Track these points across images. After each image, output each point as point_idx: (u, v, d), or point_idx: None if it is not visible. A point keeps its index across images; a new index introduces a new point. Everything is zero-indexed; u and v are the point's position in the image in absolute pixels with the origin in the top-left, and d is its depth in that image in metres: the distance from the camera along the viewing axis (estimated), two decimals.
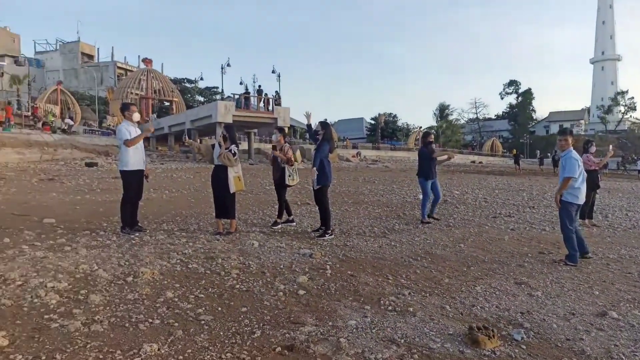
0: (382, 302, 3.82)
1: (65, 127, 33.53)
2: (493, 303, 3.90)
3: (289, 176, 7.17)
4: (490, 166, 43.97)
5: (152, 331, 3.09)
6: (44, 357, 2.68)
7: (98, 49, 64.24)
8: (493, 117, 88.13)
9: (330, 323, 3.32)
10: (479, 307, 3.78)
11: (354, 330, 3.21)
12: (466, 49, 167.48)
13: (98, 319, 3.24)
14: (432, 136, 8.71)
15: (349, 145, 50.46)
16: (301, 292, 4.02)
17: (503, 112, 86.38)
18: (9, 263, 4.57)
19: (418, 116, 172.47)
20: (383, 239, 6.53)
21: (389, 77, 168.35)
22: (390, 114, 73.93)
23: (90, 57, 63.88)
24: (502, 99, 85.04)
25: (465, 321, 3.43)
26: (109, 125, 40.04)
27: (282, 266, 4.84)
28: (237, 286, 4.13)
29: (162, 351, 2.79)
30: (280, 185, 7.27)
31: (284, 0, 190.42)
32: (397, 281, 4.46)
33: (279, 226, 7.13)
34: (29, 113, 34.46)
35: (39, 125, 32.09)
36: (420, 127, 67.22)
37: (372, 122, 70.28)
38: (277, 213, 7.42)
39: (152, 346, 2.81)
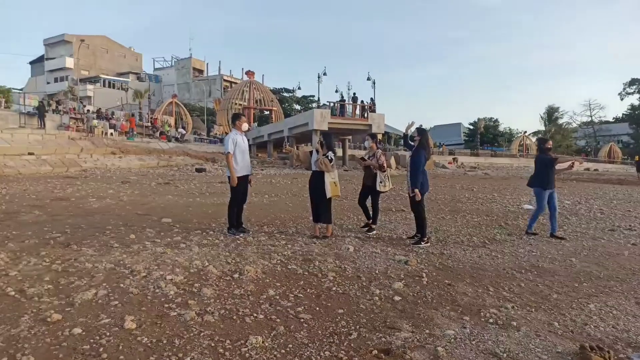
0: (482, 313, 3.68)
1: (179, 136, 36.89)
2: (609, 323, 3.57)
3: (380, 182, 7.16)
4: (607, 174, 39.66)
5: (257, 325, 3.31)
6: (165, 341, 3.00)
7: (207, 64, 69.82)
8: (611, 119, 79.58)
9: (427, 331, 3.29)
10: (592, 326, 3.49)
11: (452, 340, 3.14)
12: (578, 46, 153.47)
13: (210, 310, 3.56)
14: (551, 143, 7.91)
15: (445, 152, 48.88)
16: (397, 298, 4.02)
17: (623, 114, 77.54)
18: (135, 257, 5.17)
19: (522, 120, 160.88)
20: (483, 248, 6.26)
21: (488, 80, 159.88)
22: (491, 118, 70.31)
23: (201, 71, 69.59)
24: (621, 99, 76.37)
25: (577, 340, 3.18)
26: (216, 134, 43.18)
27: (377, 271, 4.88)
28: (334, 288, 4.25)
29: (266, 344, 2.99)
30: (373, 192, 7.31)
31: (378, 9, 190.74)
32: (498, 293, 4.27)
33: (374, 232, 7.16)
34: (149, 124, 38.46)
35: (157, 134, 35.68)
36: (525, 132, 63.12)
37: (471, 127, 67.31)
38: (371, 219, 7.45)
39: (257, 338, 3.02)
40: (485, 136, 64.01)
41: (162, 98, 59.71)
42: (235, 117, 6.99)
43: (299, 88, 67.22)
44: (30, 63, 70.94)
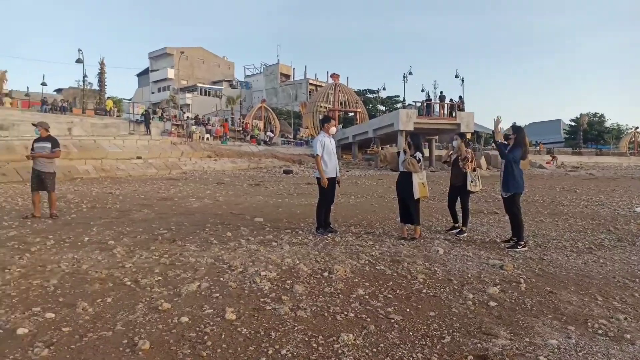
0: (589, 324, 3.40)
1: (267, 139, 38.40)
2: None
3: (471, 182, 6.93)
4: None
5: (348, 323, 3.37)
6: (262, 333, 3.17)
7: (294, 68, 72.08)
8: None
9: (526, 339, 3.11)
10: None
11: (556, 350, 2.94)
12: None
13: (302, 306, 3.68)
14: None
15: (542, 151, 45.53)
16: (492, 303, 3.85)
17: None
18: (231, 253, 5.50)
19: (632, 115, 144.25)
20: (588, 255, 5.76)
21: (593, 73, 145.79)
22: (595, 113, 64.13)
23: (287, 76, 72.00)
24: None
25: None
26: (302, 136, 44.30)
27: (469, 275, 4.70)
28: (424, 290, 4.18)
29: (358, 342, 3.03)
30: (463, 192, 7.07)
31: (467, 3, 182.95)
32: (608, 303, 3.91)
33: (465, 235, 6.91)
34: (240, 128, 40.51)
35: (247, 138, 37.46)
36: (636, 128, 56.72)
37: (572, 123, 61.98)
38: (461, 221, 7.20)
39: (348, 336, 3.07)
40: (589, 133, 58.61)
41: (252, 103, 62.61)
42: (325, 120, 7.15)
43: (384, 89, 66.41)
44: (137, 75, 78.40)
